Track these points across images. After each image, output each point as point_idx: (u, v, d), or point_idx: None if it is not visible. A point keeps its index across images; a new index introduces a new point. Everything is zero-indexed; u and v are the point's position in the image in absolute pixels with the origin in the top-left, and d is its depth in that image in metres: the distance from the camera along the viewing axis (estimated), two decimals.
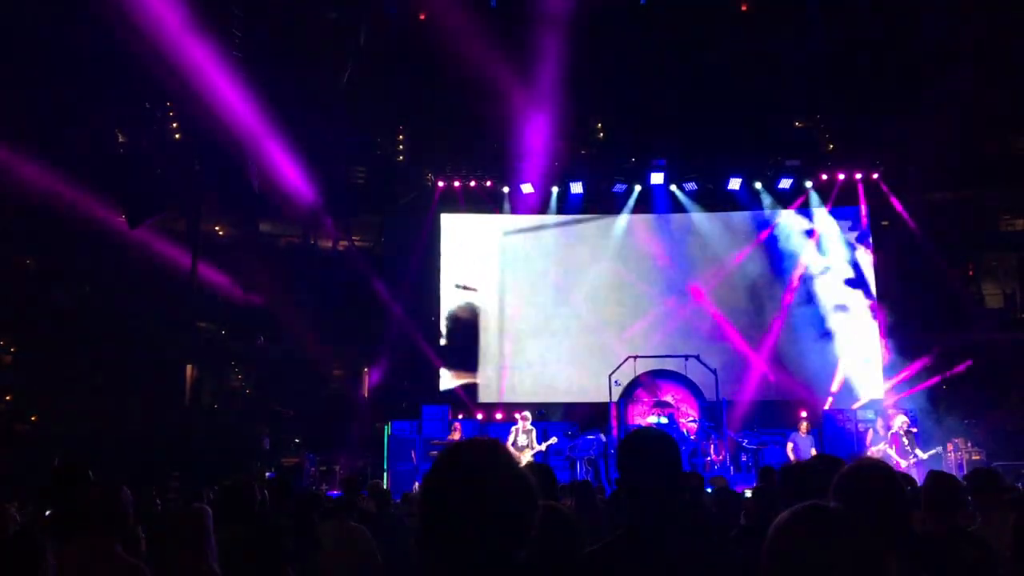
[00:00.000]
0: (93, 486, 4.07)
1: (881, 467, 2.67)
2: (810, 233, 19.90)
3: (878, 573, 1.93)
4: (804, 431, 15.12)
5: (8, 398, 19.95)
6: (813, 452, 14.63)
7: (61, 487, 4.18)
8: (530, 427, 15.63)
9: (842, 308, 19.49)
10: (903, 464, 13.66)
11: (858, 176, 19.76)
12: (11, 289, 19.17)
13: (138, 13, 13.65)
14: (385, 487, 10.89)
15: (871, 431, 15.28)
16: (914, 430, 14.58)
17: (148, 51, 14.17)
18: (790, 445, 14.86)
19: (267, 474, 14.63)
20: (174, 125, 19.25)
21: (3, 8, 15.21)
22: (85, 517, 3.74)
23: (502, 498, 1.76)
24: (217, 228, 22.22)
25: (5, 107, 18.45)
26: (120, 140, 17.93)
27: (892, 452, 14.15)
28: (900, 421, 14.55)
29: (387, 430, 17.45)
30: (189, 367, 19.64)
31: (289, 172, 18.58)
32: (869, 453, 14.23)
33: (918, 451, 14.18)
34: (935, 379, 18.12)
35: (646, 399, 17.46)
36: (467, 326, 20.09)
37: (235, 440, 17.89)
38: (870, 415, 16.87)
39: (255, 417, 19.10)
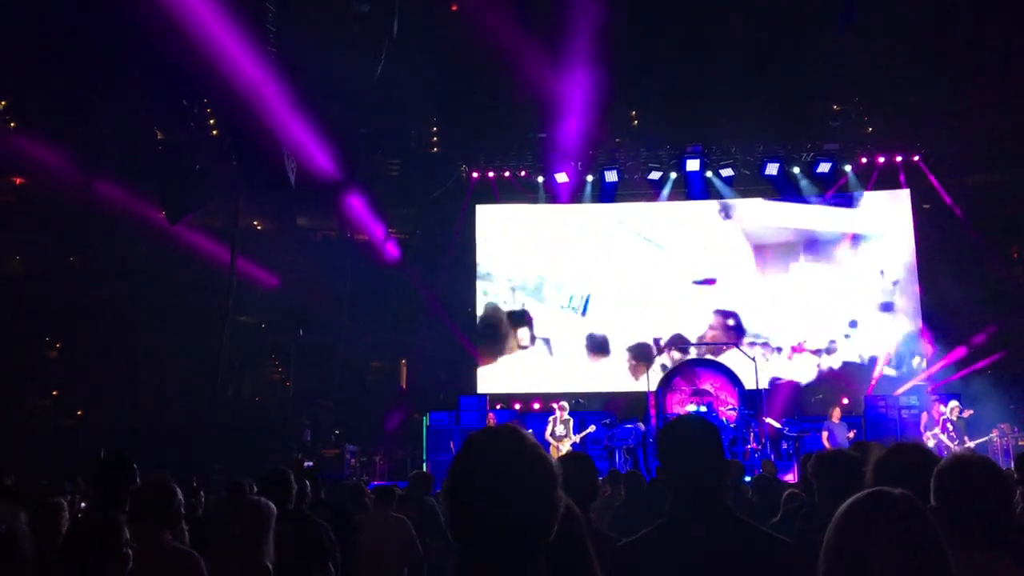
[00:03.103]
0: (141, 478, 4.12)
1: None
2: (849, 218, 19.58)
3: (943, 561, 1.87)
4: (837, 418, 15.00)
5: (55, 393, 20.34)
6: (851, 435, 14.51)
7: (108, 479, 4.24)
8: (568, 417, 15.62)
9: (884, 293, 19.20)
10: (955, 450, 13.54)
11: (899, 159, 19.43)
12: (55, 286, 19.54)
13: (173, 10, 13.79)
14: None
15: (925, 415, 15.09)
16: (967, 414, 14.37)
17: (184, 48, 14.30)
18: (825, 433, 14.75)
19: (306, 463, 14.77)
20: (211, 121, 19.44)
21: (42, 7, 15.44)
22: (134, 507, 3.80)
23: (513, 483, 1.74)
24: (255, 222, 22.44)
25: (47, 107, 18.80)
26: (159, 137, 18.14)
27: (944, 438, 14.00)
28: (952, 406, 14.37)
29: (425, 421, 17.55)
30: (230, 360, 19.88)
31: (325, 165, 18.69)
32: (924, 439, 14.09)
33: (966, 438, 14.00)
34: (980, 364, 17.81)
35: (685, 388, 17.37)
36: (503, 316, 20.10)
37: (276, 432, 18.10)
38: (913, 401, 16.65)
39: (295, 409, 19.29)
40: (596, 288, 19.96)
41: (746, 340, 19.00)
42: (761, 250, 19.68)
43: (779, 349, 18.70)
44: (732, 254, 19.73)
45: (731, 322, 19.49)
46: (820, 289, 19.29)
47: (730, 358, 18.12)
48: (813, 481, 3.83)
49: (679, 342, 18.99)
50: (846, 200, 19.74)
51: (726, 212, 20.00)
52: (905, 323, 18.99)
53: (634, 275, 19.85)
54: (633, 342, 19.68)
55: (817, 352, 18.67)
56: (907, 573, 1.80)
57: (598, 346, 19.79)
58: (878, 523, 1.85)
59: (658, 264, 19.89)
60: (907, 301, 19.07)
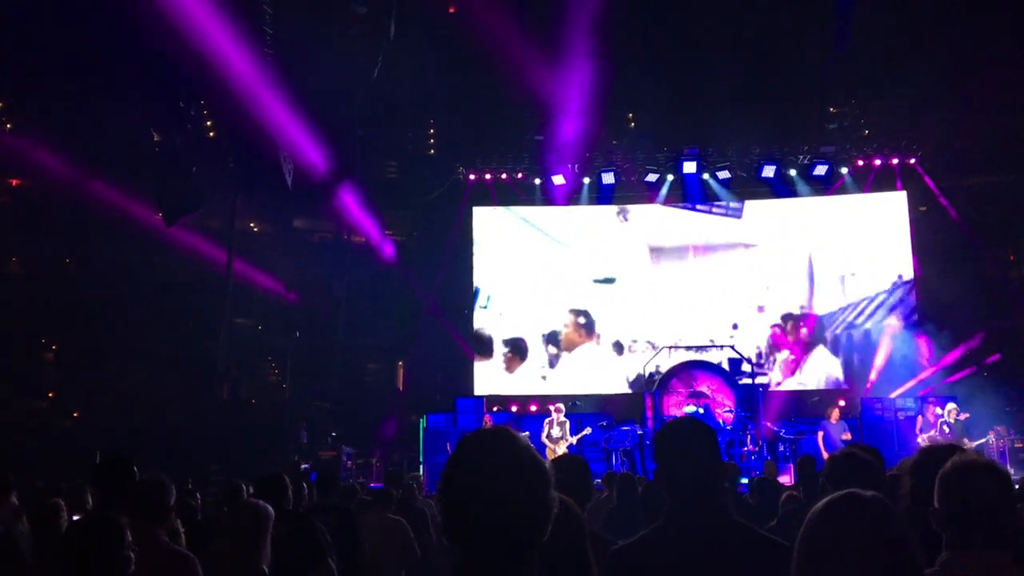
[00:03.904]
0: (138, 477, 4.12)
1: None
2: (845, 219, 19.62)
3: (911, 560, 1.91)
4: (835, 418, 14.97)
5: (51, 395, 20.31)
6: (846, 437, 14.48)
7: (107, 479, 4.24)
8: (564, 419, 15.60)
9: (880, 295, 19.24)
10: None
11: (895, 161, 19.47)
12: (52, 287, 19.52)
13: (170, 12, 13.79)
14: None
15: (920, 418, 15.09)
16: (963, 416, 14.38)
17: (181, 50, 14.31)
18: (820, 434, 14.75)
19: (303, 466, 14.77)
20: (208, 124, 19.44)
21: (39, 9, 15.45)
22: (131, 506, 3.79)
23: (507, 484, 1.75)
24: (252, 225, 22.43)
25: (44, 109, 18.79)
26: (156, 139, 18.15)
27: (941, 441, 13.99)
28: (949, 408, 14.40)
29: (422, 423, 17.54)
30: (227, 362, 19.87)
31: (322, 167, 18.69)
32: (919, 441, 14.10)
33: (965, 440, 14.01)
34: (976, 366, 17.84)
35: (681, 389, 17.36)
36: (498, 319, 20.13)
37: (272, 434, 18.08)
38: (909, 403, 16.66)
39: (292, 411, 19.29)
40: (489, 285, 20.30)
41: (627, 338, 19.55)
42: (656, 253, 20.08)
43: (654, 345, 19.06)
44: (629, 255, 20.13)
45: (582, 320, 19.96)
46: (706, 292, 19.62)
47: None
48: (827, 483, 3.81)
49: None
50: (735, 212, 20.05)
51: (624, 215, 20.33)
52: (901, 325, 19.02)
53: (535, 273, 20.19)
54: (512, 336, 20.07)
55: (700, 349, 18.80)
56: (873, 570, 1.85)
57: (482, 345, 20.19)
58: (847, 522, 1.91)
59: (562, 263, 20.22)
60: (902, 304, 19.10)
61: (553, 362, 19.98)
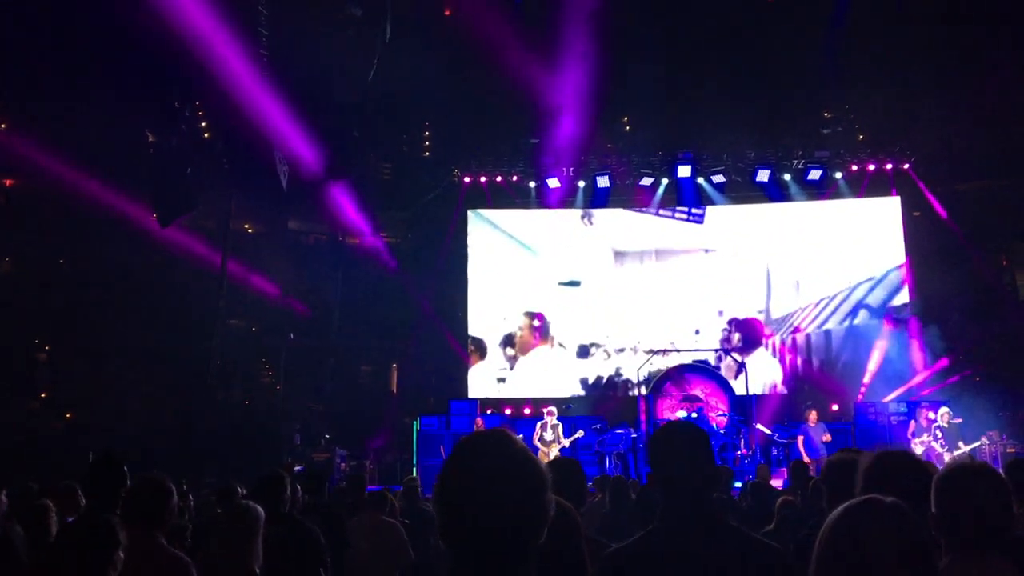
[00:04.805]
0: (135, 479, 4.10)
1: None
2: (837, 224, 19.68)
3: (931, 567, 1.91)
4: (813, 421, 14.98)
5: (43, 396, 20.23)
6: (826, 439, 14.49)
7: (98, 480, 4.22)
8: (557, 422, 15.60)
9: (872, 299, 19.29)
10: (946, 457, 13.61)
11: (889, 166, 19.52)
12: (45, 288, 19.44)
13: (166, 13, 13.78)
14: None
15: (913, 423, 15.14)
16: (957, 420, 14.43)
17: (176, 51, 14.30)
18: (800, 438, 14.78)
19: (296, 468, 14.74)
20: (203, 124, 19.42)
21: (34, 9, 15.41)
22: (127, 508, 3.77)
23: (503, 486, 1.76)
24: (246, 226, 22.38)
25: (38, 109, 18.73)
26: (150, 140, 18.10)
27: (936, 445, 14.05)
28: (942, 412, 14.44)
29: (416, 425, 17.52)
30: (220, 364, 19.82)
31: (317, 169, 18.67)
32: (912, 445, 14.12)
33: (960, 444, 14.07)
34: (969, 371, 17.89)
35: (675, 393, 17.39)
36: (492, 322, 20.14)
37: (266, 435, 18.05)
38: (902, 408, 16.70)
39: (285, 413, 19.25)
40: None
41: (589, 341, 19.78)
42: (620, 256, 20.21)
43: (622, 350, 19.48)
44: (594, 259, 20.24)
45: (536, 323, 20.10)
46: (669, 296, 19.74)
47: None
48: (823, 486, 3.81)
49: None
50: (697, 218, 20.19)
51: (588, 219, 20.45)
52: (894, 329, 19.07)
53: (501, 274, 20.33)
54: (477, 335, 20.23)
55: (662, 352, 18.87)
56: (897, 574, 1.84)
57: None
58: (868, 527, 1.89)
59: (526, 265, 20.37)
60: (895, 308, 19.15)
61: (512, 364, 20.03)
